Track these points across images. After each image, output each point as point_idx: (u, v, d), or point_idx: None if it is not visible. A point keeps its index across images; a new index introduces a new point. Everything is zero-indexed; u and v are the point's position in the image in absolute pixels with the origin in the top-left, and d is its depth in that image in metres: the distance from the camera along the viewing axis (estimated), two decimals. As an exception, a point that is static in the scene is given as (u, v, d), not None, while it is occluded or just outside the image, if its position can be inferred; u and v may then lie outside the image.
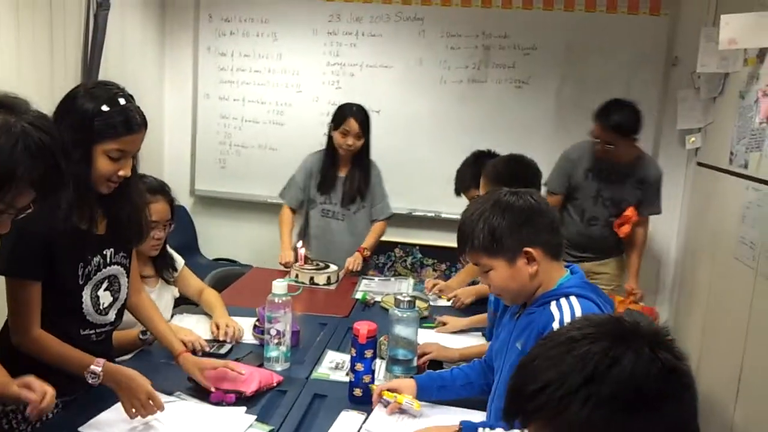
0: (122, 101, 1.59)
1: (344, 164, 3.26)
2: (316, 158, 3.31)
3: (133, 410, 1.56)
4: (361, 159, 3.24)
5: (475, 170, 2.69)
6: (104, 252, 1.71)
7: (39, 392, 1.38)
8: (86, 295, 1.69)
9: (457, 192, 2.90)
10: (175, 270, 2.41)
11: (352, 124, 3.12)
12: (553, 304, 1.48)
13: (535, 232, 1.52)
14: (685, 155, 3.90)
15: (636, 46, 3.85)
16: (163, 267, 2.36)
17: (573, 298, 1.48)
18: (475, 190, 2.66)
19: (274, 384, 1.84)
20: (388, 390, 1.71)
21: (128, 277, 1.82)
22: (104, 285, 1.74)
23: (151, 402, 1.56)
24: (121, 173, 1.60)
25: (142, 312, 1.92)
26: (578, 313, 1.43)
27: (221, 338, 2.14)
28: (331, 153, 3.24)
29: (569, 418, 0.83)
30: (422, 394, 1.74)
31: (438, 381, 1.79)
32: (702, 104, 3.64)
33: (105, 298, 1.74)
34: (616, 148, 3.13)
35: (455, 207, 3.89)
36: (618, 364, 0.81)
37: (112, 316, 1.78)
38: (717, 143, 3.40)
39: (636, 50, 3.84)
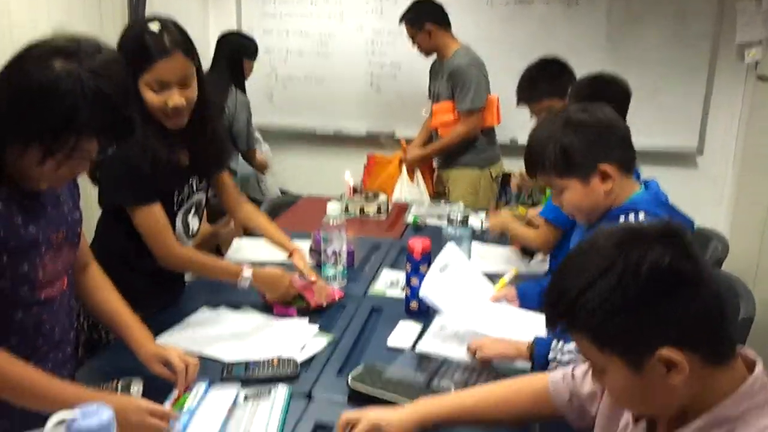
0: (153, 27, 1.56)
1: None
2: None
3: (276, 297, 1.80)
4: None
5: (547, 77, 2.59)
6: (191, 181, 1.80)
7: (180, 368, 1.37)
8: (179, 221, 1.79)
9: (525, 101, 2.72)
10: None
11: None
12: (621, 219, 1.45)
13: (608, 148, 1.48)
14: (744, 70, 3.74)
15: (691, -45, 3.66)
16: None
17: (642, 215, 1.45)
18: (545, 101, 2.57)
19: (336, 299, 1.92)
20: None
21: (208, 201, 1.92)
22: (192, 211, 1.84)
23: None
24: (170, 103, 1.58)
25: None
26: None
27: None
28: None
29: (579, 322, 0.89)
30: (525, 303, 1.79)
31: (537, 287, 1.82)
32: (763, 15, 3.46)
33: (194, 223, 1.86)
34: (414, 41, 3.32)
35: (505, 132, 3.91)
36: (607, 274, 0.85)
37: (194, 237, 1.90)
38: (779, 54, 3.26)
39: (691, -40, 3.66)
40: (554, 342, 1.44)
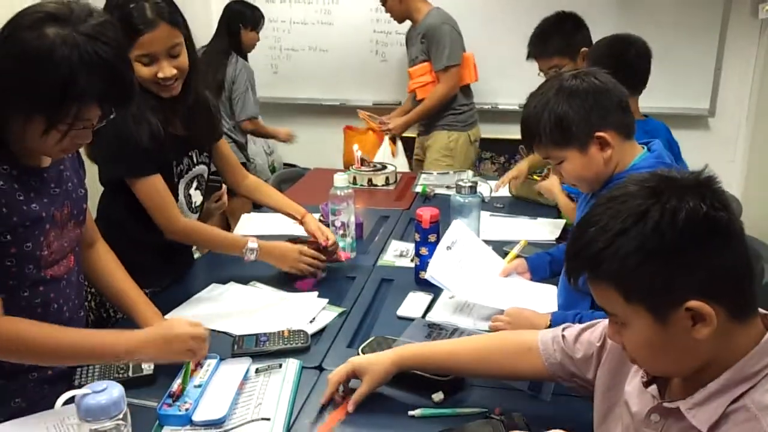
0: (132, 2, 1.54)
1: None
2: None
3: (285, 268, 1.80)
4: None
5: (563, 35, 2.49)
6: (190, 153, 1.79)
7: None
8: (181, 193, 1.78)
9: (536, 56, 2.58)
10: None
11: None
12: None
13: (604, 114, 1.43)
14: (758, 26, 3.66)
15: None
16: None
17: None
18: (555, 59, 2.48)
19: (343, 259, 1.95)
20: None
21: (210, 173, 1.91)
22: (194, 184, 1.83)
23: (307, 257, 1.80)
24: (159, 75, 1.58)
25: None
26: None
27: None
28: None
29: (606, 271, 0.87)
30: (536, 274, 1.79)
31: (547, 257, 1.82)
32: (778, -33, 3.37)
33: (196, 196, 1.85)
34: (386, 7, 3.34)
35: (512, 98, 3.88)
36: (642, 219, 0.84)
37: (198, 213, 1.89)
38: (794, 9, 3.17)
39: None
40: (570, 323, 1.42)
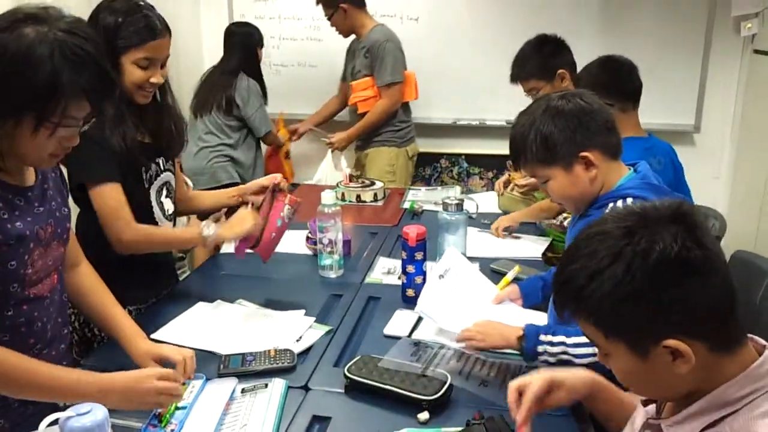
0: (143, 10, 1.64)
1: None
2: None
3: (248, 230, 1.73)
4: None
5: (540, 58, 2.55)
6: (157, 159, 1.81)
7: (179, 360, 1.36)
8: (153, 200, 1.79)
9: (514, 79, 2.66)
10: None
11: None
12: (609, 207, 1.44)
13: (589, 135, 1.46)
14: (741, 43, 3.71)
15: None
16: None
17: (630, 201, 1.43)
18: (536, 81, 2.53)
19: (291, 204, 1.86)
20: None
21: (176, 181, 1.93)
22: (164, 192, 1.84)
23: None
24: (153, 80, 1.66)
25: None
26: None
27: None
28: None
29: (584, 310, 0.89)
30: (528, 300, 1.77)
31: (540, 282, 1.81)
32: (759, -14, 3.43)
33: (168, 204, 1.86)
34: (331, 21, 3.39)
35: (499, 114, 3.91)
36: (614, 263, 0.85)
37: (173, 222, 1.91)
38: (775, 27, 3.23)
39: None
40: (543, 335, 1.44)
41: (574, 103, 1.48)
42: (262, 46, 3.69)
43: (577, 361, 1.40)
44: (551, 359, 1.41)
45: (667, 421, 0.92)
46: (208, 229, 1.74)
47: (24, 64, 1.11)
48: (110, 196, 1.67)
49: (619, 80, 2.23)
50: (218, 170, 3.48)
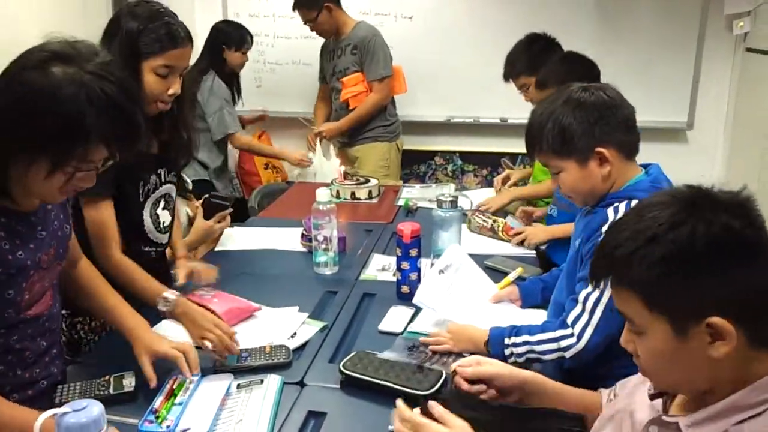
0: (165, 17, 1.60)
1: None
2: None
3: (206, 342, 1.48)
4: None
5: (529, 55, 2.59)
6: (159, 171, 1.77)
7: (177, 355, 1.36)
8: (146, 213, 1.75)
9: (506, 77, 2.71)
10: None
11: None
12: (612, 207, 1.42)
13: (608, 131, 1.42)
14: (733, 41, 3.73)
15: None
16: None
17: (634, 203, 1.39)
18: (526, 78, 2.57)
19: (252, 313, 1.75)
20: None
21: (177, 194, 1.89)
22: (161, 204, 1.80)
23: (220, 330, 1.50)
24: (170, 91, 1.61)
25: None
26: None
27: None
28: None
29: (632, 277, 0.86)
30: (527, 301, 1.78)
31: (540, 284, 1.81)
32: (751, -15, 3.45)
33: (164, 216, 1.81)
34: (315, 23, 3.39)
35: (494, 111, 3.92)
36: (676, 228, 0.83)
37: (168, 234, 1.86)
38: None
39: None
40: (507, 338, 1.46)
41: (597, 96, 1.44)
42: (240, 47, 3.51)
43: (543, 357, 1.43)
44: (519, 359, 1.44)
45: (685, 419, 0.88)
46: (170, 296, 1.57)
47: (47, 104, 1.07)
48: (100, 219, 1.61)
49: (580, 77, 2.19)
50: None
